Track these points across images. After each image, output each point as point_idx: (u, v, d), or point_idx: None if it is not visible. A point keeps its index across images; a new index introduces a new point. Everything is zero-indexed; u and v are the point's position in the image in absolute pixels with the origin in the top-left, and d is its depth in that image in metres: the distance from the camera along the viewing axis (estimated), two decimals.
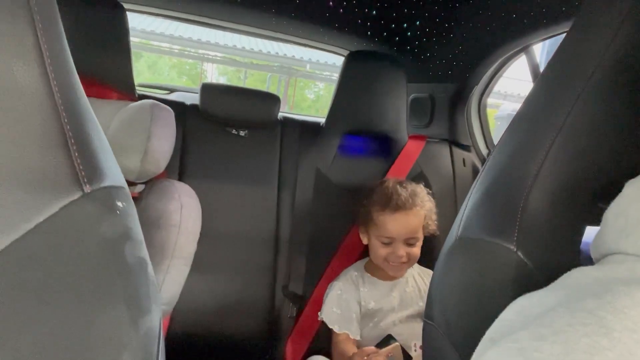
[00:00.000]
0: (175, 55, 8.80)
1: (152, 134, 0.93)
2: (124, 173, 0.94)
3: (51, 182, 0.32)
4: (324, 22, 1.33)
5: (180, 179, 1.19)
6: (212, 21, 1.36)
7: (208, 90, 1.23)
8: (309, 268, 1.24)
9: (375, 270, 1.14)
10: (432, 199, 1.13)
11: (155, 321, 0.38)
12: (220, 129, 1.25)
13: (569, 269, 0.37)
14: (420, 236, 1.08)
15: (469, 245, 0.53)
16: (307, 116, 1.76)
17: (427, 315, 0.58)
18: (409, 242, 1.06)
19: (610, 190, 0.39)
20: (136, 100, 1.00)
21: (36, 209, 0.31)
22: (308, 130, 1.34)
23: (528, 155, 0.48)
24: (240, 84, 7.89)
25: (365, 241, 1.14)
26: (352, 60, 1.29)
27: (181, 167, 1.20)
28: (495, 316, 0.39)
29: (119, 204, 0.37)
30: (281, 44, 7.07)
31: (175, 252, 0.94)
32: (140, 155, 0.93)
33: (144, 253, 0.39)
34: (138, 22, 6.10)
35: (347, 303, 1.10)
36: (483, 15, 1.09)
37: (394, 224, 1.05)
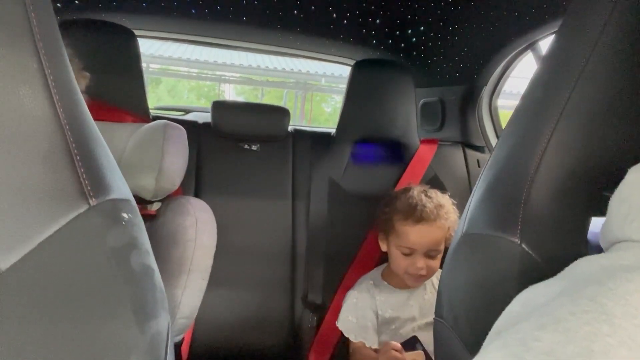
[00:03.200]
0: (193, 78, 9.02)
1: (165, 153, 0.97)
2: (141, 192, 0.98)
3: (59, 196, 0.35)
4: (329, 34, 1.35)
5: (196, 196, 1.22)
6: (220, 41, 1.41)
7: (219, 107, 1.26)
8: (327, 277, 1.24)
9: (392, 278, 1.14)
10: (456, 209, 1.10)
11: (163, 326, 0.39)
12: (233, 144, 1.28)
13: (575, 259, 0.37)
14: (442, 249, 1.05)
15: (474, 241, 0.53)
16: (318, 127, 1.78)
17: (437, 313, 0.58)
18: (430, 254, 1.04)
19: (614, 178, 0.39)
20: (150, 122, 1.03)
21: (45, 222, 0.34)
22: (319, 141, 1.36)
23: (528, 149, 0.48)
24: (258, 102, 8.01)
25: (384, 248, 1.14)
26: (359, 69, 1.31)
27: (197, 184, 1.23)
28: (502, 309, 0.39)
29: (125, 215, 0.39)
30: (295, 61, 7.18)
31: (192, 266, 0.96)
32: (155, 173, 0.96)
33: (150, 261, 0.41)
34: (156, 49, 6.30)
35: (362, 312, 1.10)
36: (485, 14, 1.09)
37: (416, 235, 1.03)
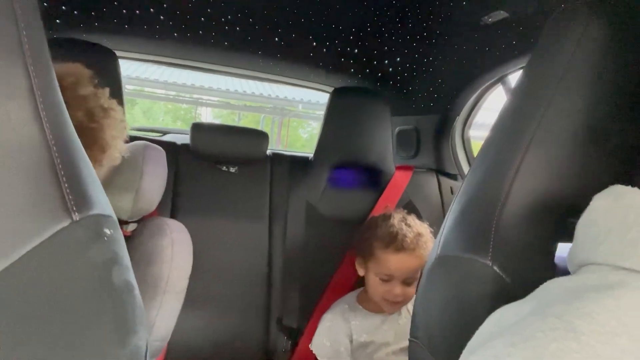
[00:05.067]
0: (170, 100, 8.97)
1: (144, 173, 0.97)
2: (117, 212, 0.97)
3: (42, 210, 0.35)
4: (309, 62, 1.39)
5: (172, 217, 1.21)
6: (201, 64, 1.43)
7: (198, 129, 1.27)
8: (302, 301, 1.24)
9: (368, 302, 1.14)
10: (433, 237, 1.11)
11: (142, 340, 0.39)
12: (211, 166, 1.28)
13: (544, 281, 0.39)
14: (418, 276, 1.07)
15: (448, 263, 0.55)
16: (297, 152, 1.80)
17: (412, 334, 0.59)
18: (407, 282, 1.06)
19: (579, 205, 0.41)
20: (128, 142, 1.03)
21: (29, 235, 0.34)
22: (297, 165, 1.37)
23: (499, 176, 0.51)
24: None
25: (361, 273, 1.15)
26: (337, 96, 1.35)
27: (173, 205, 1.22)
28: (475, 329, 0.40)
29: (107, 230, 0.40)
30: (273, 86, 7.25)
31: (167, 287, 0.94)
32: (133, 194, 0.96)
33: (131, 277, 0.41)
34: (132, 70, 6.26)
35: (336, 336, 1.10)
36: (458, 48, 1.15)
37: (396, 262, 1.04)
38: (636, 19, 0.47)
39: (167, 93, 8.18)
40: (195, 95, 8.26)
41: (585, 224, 0.40)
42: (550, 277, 0.39)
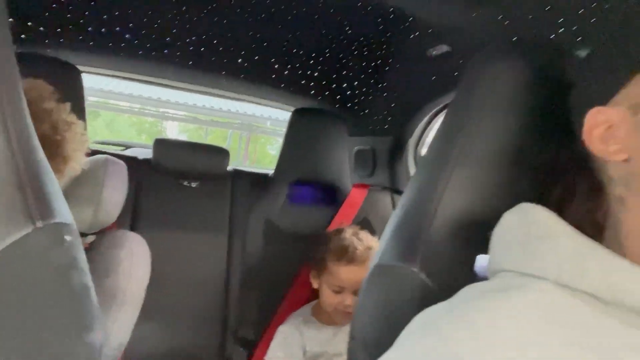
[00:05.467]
0: (135, 113, 8.83)
1: (105, 186, 1.00)
2: (77, 224, 0.99)
3: (6, 218, 0.39)
4: (270, 82, 1.45)
5: (132, 230, 1.23)
6: (165, 81, 1.47)
7: (161, 145, 1.30)
8: (259, 313, 1.28)
9: (321, 315, 1.19)
10: None
11: (97, 336, 0.44)
12: (173, 181, 1.31)
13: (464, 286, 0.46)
14: None
15: (383, 271, 0.61)
16: (262, 169, 1.85)
17: (350, 335, 0.65)
18: (358, 293, 1.12)
19: (497, 221, 0.47)
20: (89, 155, 1.06)
21: None
22: (257, 181, 1.42)
23: (430, 192, 0.58)
24: (202, 141, 7.98)
25: (315, 285, 1.20)
26: (297, 117, 1.41)
27: (133, 218, 1.24)
28: (403, 328, 0.46)
29: (67, 237, 0.44)
30: (242, 102, 7.27)
31: (125, 298, 0.97)
32: (94, 206, 0.98)
33: (88, 279, 0.46)
34: (95, 82, 6.15)
35: (290, 348, 1.14)
36: (408, 77, 1.24)
37: (347, 274, 1.10)
38: (550, 63, 0.56)
39: (131, 106, 8.06)
40: (161, 109, 8.17)
41: (497, 237, 0.47)
42: (471, 283, 0.46)
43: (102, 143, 1.80)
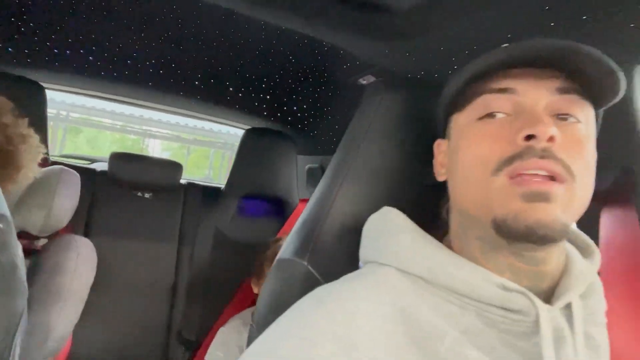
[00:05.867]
0: (117, 130, 8.86)
1: (56, 194, 1.10)
2: (29, 227, 1.10)
3: None
4: (225, 103, 1.58)
5: (86, 236, 1.32)
6: (128, 100, 1.58)
7: (116, 158, 1.41)
8: (203, 316, 1.37)
9: None
10: None
11: (18, 308, 0.54)
12: (127, 192, 1.41)
13: None
14: None
15: (282, 264, 0.72)
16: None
17: (252, 319, 0.75)
18: None
19: None
20: (47, 166, 1.17)
21: None
22: (209, 194, 1.53)
23: (324, 200, 0.69)
24: (184, 160, 8.05)
25: (256, 291, 1.30)
26: (249, 136, 1.54)
27: (88, 225, 1.34)
28: None
29: (0, 225, 0.54)
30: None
31: (68, 295, 1.06)
32: (45, 211, 1.09)
33: (17, 260, 0.56)
34: (78, 98, 6.22)
35: (229, 348, 1.23)
36: (346, 102, 1.38)
37: None
38: (425, 99, 0.68)
39: (114, 123, 8.10)
40: (144, 127, 8.22)
41: (364, 233, 0.58)
42: None
43: (69, 157, 1.89)
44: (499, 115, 0.44)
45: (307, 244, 0.68)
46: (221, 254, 1.44)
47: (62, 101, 6.30)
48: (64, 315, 1.04)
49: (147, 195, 1.43)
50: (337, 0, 0.93)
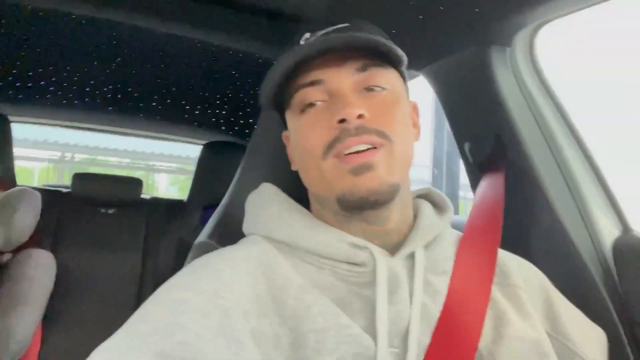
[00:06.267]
0: (124, 168, 9.06)
1: (17, 211, 1.21)
2: None
3: None
4: (184, 121, 1.67)
5: (53, 251, 1.40)
6: (91, 126, 1.69)
7: (78, 178, 1.51)
8: None
9: None
10: None
11: None
12: (91, 209, 1.50)
13: None
14: None
15: (197, 247, 0.77)
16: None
17: None
18: None
19: None
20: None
21: None
22: (172, 207, 1.62)
23: (234, 187, 0.78)
24: None
25: None
26: (208, 150, 1.63)
27: (55, 242, 1.42)
28: None
29: None
30: None
31: (28, 300, 1.16)
32: (5, 227, 1.20)
33: None
34: (81, 138, 6.39)
35: None
36: None
37: None
38: None
39: (120, 161, 8.27)
40: (150, 162, 8.38)
41: (245, 209, 0.61)
42: None
43: (50, 186, 2.00)
44: (318, 103, 0.50)
45: (218, 227, 0.75)
46: (185, 262, 1.50)
47: (65, 143, 6.44)
48: (23, 319, 1.13)
49: (110, 211, 1.52)
50: (261, 15, 1.03)
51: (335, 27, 0.51)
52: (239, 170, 0.80)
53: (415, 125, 0.58)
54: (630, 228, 0.71)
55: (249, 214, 0.59)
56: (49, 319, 1.24)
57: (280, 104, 0.56)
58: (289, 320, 0.43)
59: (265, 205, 0.56)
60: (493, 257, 0.54)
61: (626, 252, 0.67)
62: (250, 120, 1.68)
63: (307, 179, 0.54)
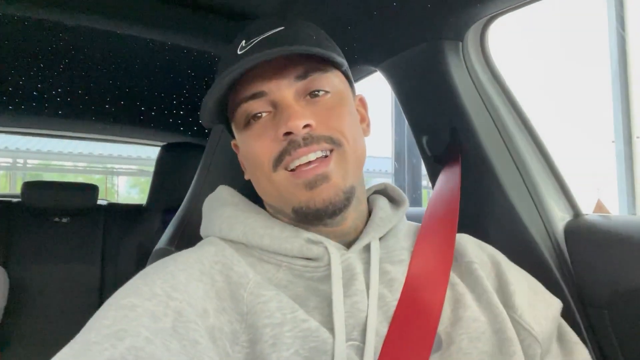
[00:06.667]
0: (80, 172, 8.72)
1: None
2: None
3: None
4: (140, 123, 1.62)
5: (4, 265, 1.33)
6: (42, 132, 1.61)
7: (29, 186, 1.43)
8: None
9: None
10: None
11: None
12: (44, 218, 1.44)
13: None
14: None
15: (156, 253, 0.76)
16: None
17: None
18: None
19: None
20: None
21: None
22: (130, 212, 1.57)
23: (192, 193, 0.76)
24: None
25: None
26: (166, 152, 1.58)
27: (5, 255, 1.35)
28: None
29: None
30: None
31: None
32: None
33: None
34: (33, 143, 6.14)
35: None
36: None
37: None
38: None
39: (76, 165, 7.97)
40: (108, 165, 8.11)
41: (202, 212, 0.60)
42: None
43: (1, 196, 1.90)
44: (263, 114, 0.49)
45: (177, 233, 0.74)
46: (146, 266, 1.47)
47: (16, 149, 6.16)
48: None
49: (64, 220, 1.45)
50: (215, 13, 1.01)
51: (270, 32, 0.49)
52: (197, 172, 0.79)
53: (364, 120, 0.58)
54: (581, 213, 0.74)
55: (205, 217, 0.58)
56: (4, 339, 1.19)
57: (224, 117, 0.55)
58: (246, 316, 0.43)
59: (221, 207, 0.56)
60: (451, 243, 0.55)
61: (577, 234, 0.70)
62: None
63: (260, 190, 0.54)
